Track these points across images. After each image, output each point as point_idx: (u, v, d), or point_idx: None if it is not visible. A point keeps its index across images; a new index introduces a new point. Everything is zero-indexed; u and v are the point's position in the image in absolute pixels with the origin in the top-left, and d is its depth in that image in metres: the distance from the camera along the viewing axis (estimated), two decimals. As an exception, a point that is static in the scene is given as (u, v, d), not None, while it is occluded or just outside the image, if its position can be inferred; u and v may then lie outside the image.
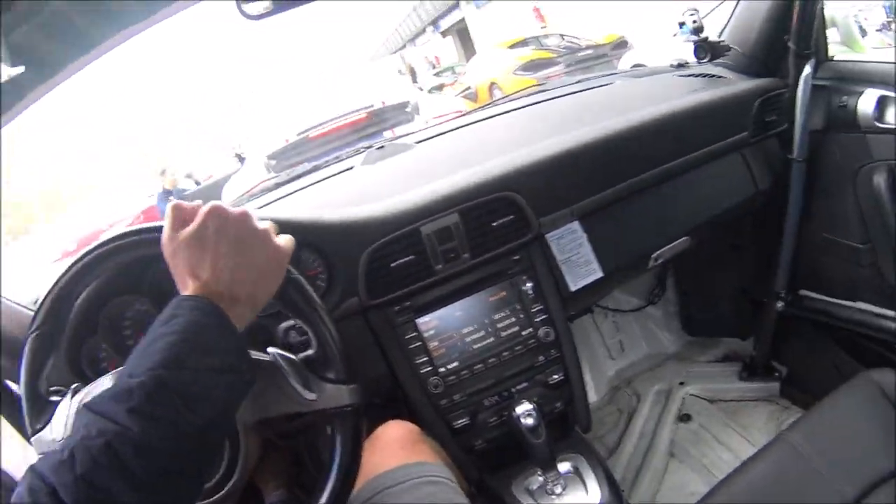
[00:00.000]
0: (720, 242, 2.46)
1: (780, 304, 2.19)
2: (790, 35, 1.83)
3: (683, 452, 2.34)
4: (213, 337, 0.84)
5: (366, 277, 1.44)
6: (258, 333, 1.36)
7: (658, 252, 1.80)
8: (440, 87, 15.44)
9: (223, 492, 0.98)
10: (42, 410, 1.06)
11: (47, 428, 1.04)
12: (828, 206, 2.00)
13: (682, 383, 2.64)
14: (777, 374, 2.46)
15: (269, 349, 1.02)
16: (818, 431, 1.41)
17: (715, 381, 2.60)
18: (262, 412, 0.99)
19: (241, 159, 9.34)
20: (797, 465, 1.36)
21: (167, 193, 10.74)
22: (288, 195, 1.90)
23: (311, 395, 0.99)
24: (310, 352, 1.03)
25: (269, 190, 2.10)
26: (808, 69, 1.83)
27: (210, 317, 0.85)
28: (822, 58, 1.93)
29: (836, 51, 2.03)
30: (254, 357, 0.99)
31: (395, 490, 1.19)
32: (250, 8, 1.22)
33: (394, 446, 1.32)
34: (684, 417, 2.48)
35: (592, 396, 2.68)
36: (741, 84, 1.99)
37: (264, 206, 1.87)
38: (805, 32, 1.80)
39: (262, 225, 0.99)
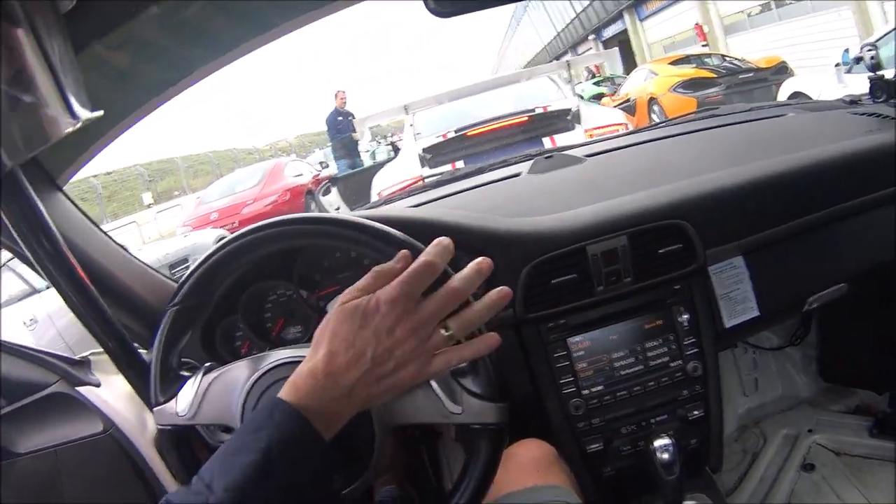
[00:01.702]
0: (875, 292, 2.34)
1: (925, 364, 2.07)
2: None
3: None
4: (301, 453, 0.80)
5: (525, 290, 1.43)
6: None
7: (815, 296, 1.74)
8: (599, 97, 15.31)
9: (349, 490, 0.98)
10: (170, 383, 1.07)
11: (173, 401, 1.05)
12: None
13: (810, 431, 2.53)
14: (910, 437, 2.33)
15: None
16: None
17: (844, 433, 2.49)
18: (403, 418, 0.99)
19: (396, 149, 9.42)
20: None
21: (338, 113, 11.06)
22: (448, 195, 1.91)
23: (456, 408, 0.97)
24: (462, 364, 1.01)
25: (429, 188, 2.12)
26: None
27: (300, 431, 0.81)
28: None
29: None
30: None
31: None
32: (439, 5, 1.21)
33: (529, 466, 1.31)
34: (808, 467, 2.39)
35: (721, 433, 2.61)
36: None
37: (420, 204, 1.88)
38: None
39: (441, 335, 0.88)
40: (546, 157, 1.99)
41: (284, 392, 0.83)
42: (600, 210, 1.50)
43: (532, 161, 2.01)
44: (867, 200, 1.74)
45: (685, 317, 1.53)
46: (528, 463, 1.32)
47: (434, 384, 0.98)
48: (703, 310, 1.55)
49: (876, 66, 2.00)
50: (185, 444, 1.09)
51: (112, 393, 1.60)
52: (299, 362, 0.94)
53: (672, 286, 1.53)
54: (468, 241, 1.41)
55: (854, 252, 1.81)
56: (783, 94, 8.82)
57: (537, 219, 1.49)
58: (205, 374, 1.06)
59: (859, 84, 2.09)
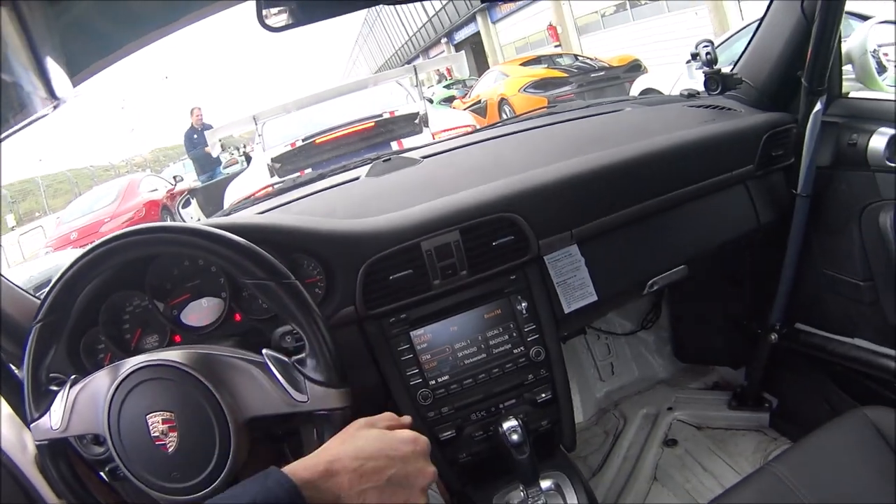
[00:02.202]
0: (718, 272, 2.47)
1: (774, 337, 2.21)
2: (804, 71, 1.84)
3: (667, 477, 2.36)
4: None
5: (364, 288, 1.46)
6: (253, 336, 1.39)
7: (654, 279, 1.82)
8: (450, 100, 15.44)
9: (211, 488, 1.01)
10: (42, 399, 1.10)
11: (46, 416, 1.09)
12: (830, 242, 2.02)
13: (670, 408, 2.65)
14: (767, 404, 2.47)
15: (263, 350, 1.07)
16: (807, 465, 1.41)
17: (703, 408, 2.61)
18: (253, 411, 1.04)
19: (249, 159, 9.40)
20: (783, 497, 1.36)
21: (193, 132, 10.97)
22: (292, 202, 1.93)
23: (301, 397, 1.04)
24: (302, 355, 1.07)
25: (274, 195, 2.14)
26: (818, 106, 1.85)
27: (289, 498, 0.83)
28: (834, 94, 1.95)
29: (853, 87, 2.05)
30: (246, 357, 1.05)
31: None
32: (272, 21, 1.24)
33: None
34: (670, 442, 2.49)
35: (579, 417, 2.70)
36: (750, 118, 2.01)
37: (267, 210, 1.90)
38: (819, 69, 1.81)
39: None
40: (384, 161, 2.04)
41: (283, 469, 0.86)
42: (432, 207, 1.54)
43: (371, 164, 2.05)
44: (701, 187, 1.84)
45: (523, 304, 1.59)
46: None
47: (278, 374, 1.04)
48: (540, 297, 1.61)
49: (712, 61, 2.11)
50: (63, 458, 1.13)
51: None
52: (155, 366, 1.02)
53: (508, 276, 1.59)
54: (307, 243, 1.45)
55: (691, 235, 1.90)
56: (635, 91, 9.03)
57: (372, 219, 1.53)
58: (71, 386, 1.10)
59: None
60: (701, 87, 2.25)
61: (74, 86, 1.24)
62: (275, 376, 1.04)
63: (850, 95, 2.00)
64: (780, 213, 2.01)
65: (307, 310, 1.07)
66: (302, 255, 1.46)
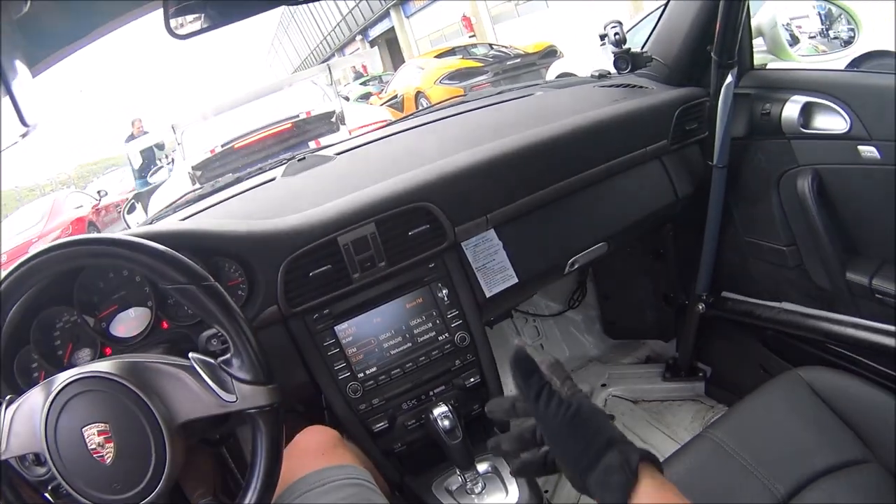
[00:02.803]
0: (641, 248, 2.52)
1: (701, 307, 2.25)
2: (713, 46, 1.87)
3: (605, 453, 2.37)
4: None
5: (285, 286, 1.47)
6: (181, 343, 1.39)
7: (574, 258, 1.85)
8: (367, 97, 15.42)
9: (152, 496, 1.01)
10: None
11: None
12: (750, 211, 2.06)
13: (604, 385, 2.69)
14: (701, 374, 2.52)
15: (190, 354, 1.07)
16: (744, 428, 1.45)
17: (638, 383, 2.65)
18: (184, 415, 1.04)
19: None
20: (722, 461, 1.39)
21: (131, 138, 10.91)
22: (211, 206, 1.93)
23: (230, 397, 1.05)
24: (228, 356, 1.07)
25: (193, 202, 2.12)
26: (729, 78, 1.87)
27: None
28: (745, 67, 1.99)
29: (765, 59, 2.10)
30: (174, 362, 1.06)
31: (316, 492, 1.22)
32: (179, 28, 1.24)
33: (314, 452, 1.36)
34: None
35: (514, 400, 2.68)
36: (662, 94, 2.06)
37: (188, 217, 1.89)
38: (728, 42, 1.84)
39: None
40: (299, 160, 2.04)
41: None
42: (347, 201, 1.55)
43: (286, 164, 2.06)
44: (616, 164, 1.88)
45: (444, 292, 1.61)
46: (312, 448, 1.37)
47: (205, 376, 1.04)
48: (460, 283, 1.63)
49: (620, 41, 2.14)
50: (5, 481, 1.10)
51: None
52: (86, 378, 1.01)
53: (427, 265, 1.61)
54: (226, 245, 1.45)
55: (608, 213, 1.93)
56: (551, 76, 8.98)
57: (289, 217, 1.53)
58: (6, 407, 1.08)
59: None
60: (612, 68, 2.28)
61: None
62: (203, 379, 1.05)
63: (765, 67, 2.05)
64: (697, 184, 2.05)
65: (228, 310, 1.07)
66: (222, 258, 1.46)
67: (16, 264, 1.07)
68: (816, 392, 1.46)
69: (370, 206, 1.54)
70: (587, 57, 7.99)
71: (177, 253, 1.08)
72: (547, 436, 0.94)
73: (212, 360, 1.07)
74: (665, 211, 2.05)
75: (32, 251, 1.06)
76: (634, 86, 2.17)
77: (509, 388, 2.61)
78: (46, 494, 1.29)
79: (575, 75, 7.57)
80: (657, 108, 1.97)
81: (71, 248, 1.06)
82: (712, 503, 1.34)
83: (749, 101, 1.95)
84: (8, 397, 1.10)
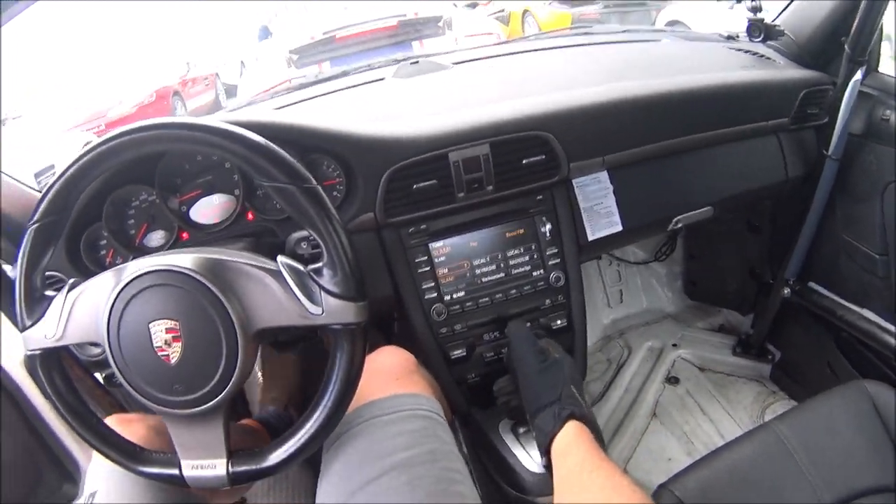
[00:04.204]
0: (738, 219, 2.43)
1: (787, 291, 2.18)
2: (848, 38, 1.77)
3: (666, 415, 2.35)
4: None
5: (385, 195, 1.41)
6: (265, 237, 1.35)
7: (679, 217, 1.78)
8: (474, 5, 15.17)
9: (215, 401, 0.97)
10: (36, 305, 1.04)
11: (40, 323, 1.03)
12: (853, 209, 1.97)
13: (675, 345, 2.64)
14: (770, 356, 2.46)
15: (279, 258, 1.00)
16: (807, 429, 1.41)
17: (708, 350, 2.60)
18: (264, 322, 0.98)
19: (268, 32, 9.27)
20: (782, 457, 1.36)
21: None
22: (312, 98, 1.87)
23: (315, 309, 0.97)
24: (319, 264, 1.00)
25: (294, 90, 2.07)
26: (858, 74, 1.78)
27: None
28: (872, 67, 1.89)
29: (886, 67, 1.99)
30: (260, 264, 0.98)
31: (386, 419, 1.18)
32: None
33: (389, 374, 1.31)
34: (672, 380, 2.49)
35: (585, 342, 2.67)
36: (790, 71, 1.96)
37: (285, 106, 1.84)
38: (864, 39, 1.74)
39: None
40: (412, 63, 1.97)
41: None
42: (464, 117, 1.48)
43: (397, 66, 1.98)
44: (736, 131, 1.80)
45: (547, 227, 1.54)
46: (387, 371, 1.32)
47: (293, 284, 0.97)
48: (565, 221, 1.57)
49: (757, 8, 2.04)
50: (56, 368, 1.06)
51: None
52: (162, 271, 0.95)
53: (535, 196, 1.54)
54: (329, 145, 1.39)
55: (720, 178, 1.85)
56: (661, 22, 8.80)
57: (399, 124, 1.47)
58: (69, 290, 1.03)
59: (739, 22, 2.13)
60: (738, 30, 2.19)
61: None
62: (289, 286, 0.97)
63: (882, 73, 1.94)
64: (807, 170, 1.96)
65: (328, 218, 0.98)
66: (322, 155, 1.40)
67: (95, 142, 1.00)
68: (877, 408, 1.42)
69: (488, 127, 1.46)
70: (699, 10, 7.75)
71: (278, 149, 0.99)
72: (520, 378, 1.25)
73: (301, 268, 0.99)
74: (773, 188, 1.96)
75: (116, 131, 0.99)
76: (763, 56, 2.07)
77: (593, 334, 2.62)
78: (97, 377, 1.27)
79: (685, 26, 7.41)
80: (784, 84, 1.87)
81: (159, 132, 0.98)
82: (760, 496, 1.33)
83: (871, 101, 1.85)
84: (71, 281, 1.05)
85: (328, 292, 0.98)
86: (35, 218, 1.02)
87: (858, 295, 2.00)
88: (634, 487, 0.87)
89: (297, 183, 0.97)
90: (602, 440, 1.08)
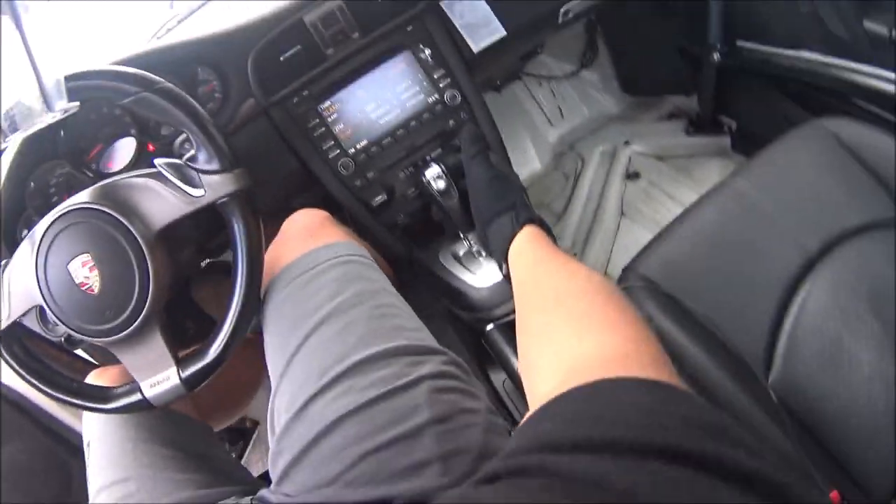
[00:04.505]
0: (647, 1, 2.39)
1: (716, 56, 2.17)
2: None
3: (634, 211, 2.39)
4: None
5: (257, 76, 1.43)
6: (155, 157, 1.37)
7: (568, 5, 1.75)
8: None
9: (143, 314, 1.02)
10: None
11: None
12: None
13: (627, 142, 2.64)
14: (727, 128, 2.47)
15: (156, 160, 1.04)
16: (768, 177, 1.41)
17: (662, 138, 2.61)
18: (158, 222, 1.02)
19: None
20: (747, 211, 1.37)
21: None
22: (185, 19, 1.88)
23: (197, 192, 1.02)
24: (192, 151, 1.05)
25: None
26: None
27: None
28: None
29: None
30: (142, 172, 1.04)
31: (305, 277, 1.18)
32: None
33: (300, 235, 1.31)
34: (633, 175, 2.51)
35: (536, 165, 2.69)
36: None
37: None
38: None
39: None
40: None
41: None
42: None
43: None
44: None
45: (427, 52, 1.54)
46: (298, 232, 1.33)
47: (172, 178, 1.02)
48: (443, 41, 1.56)
49: None
50: (15, 341, 1.12)
51: None
52: (63, 214, 1.01)
53: (405, 29, 1.53)
54: (195, 52, 1.43)
55: None
56: None
57: (250, 11, 1.48)
58: (3, 272, 1.08)
59: None
60: None
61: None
62: (170, 181, 1.03)
63: None
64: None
65: (183, 105, 1.03)
66: (194, 65, 1.43)
67: None
68: (843, 144, 1.41)
69: None
70: None
71: (121, 66, 1.03)
72: (471, 189, 1.24)
73: (177, 161, 1.04)
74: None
75: None
76: None
77: (531, 153, 2.61)
78: (70, 349, 1.31)
79: None
80: None
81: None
82: (732, 256, 1.35)
83: None
84: (3, 262, 1.10)
85: (204, 171, 1.03)
86: None
87: (789, 40, 1.97)
88: (591, 271, 0.86)
89: (149, 87, 1.01)
90: (555, 240, 1.08)
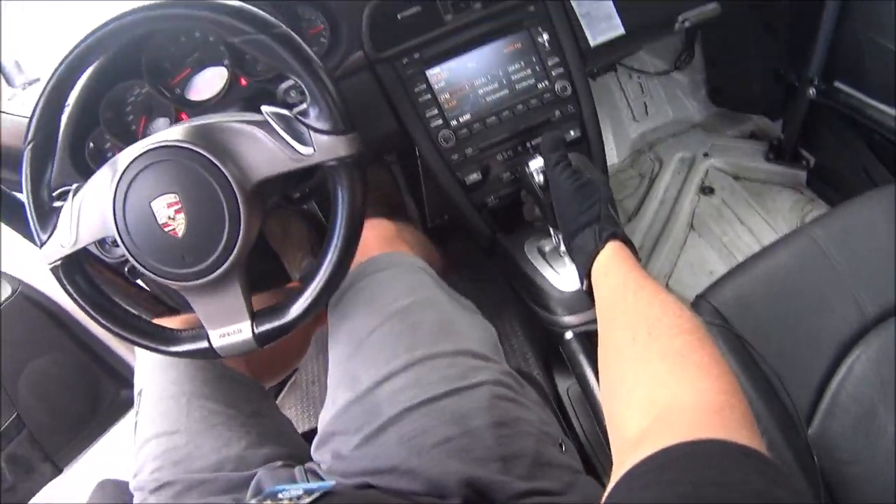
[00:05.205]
0: (753, 18, 2.33)
1: (812, 91, 2.11)
2: None
3: (704, 227, 2.35)
4: None
5: (370, 30, 1.38)
6: (260, 98, 1.33)
7: (685, 14, 1.70)
8: None
9: (226, 264, 0.98)
10: (47, 219, 1.06)
11: (55, 235, 1.05)
12: (871, 4, 1.85)
13: (706, 154, 2.60)
14: (805, 162, 2.41)
15: (263, 108, 0.99)
16: (844, 233, 1.38)
17: (740, 158, 2.56)
18: (259, 174, 0.98)
19: None
20: (819, 262, 1.35)
21: None
22: None
23: (306, 150, 0.97)
24: (304, 105, 1.00)
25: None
26: None
27: None
28: None
29: None
30: (246, 118, 0.98)
31: (385, 274, 1.24)
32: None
33: (378, 239, 1.36)
34: (707, 190, 2.47)
35: (613, 158, 2.68)
36: None
37: None
38: None
39: None
40: None
41: None
42: None
43: None
44: None
45: (545, 36, 1.49)
46: (377, 237, 1.38)
47: (280, 130, 0.97)
48: (563, 29, 1.51)
49: None
50: (78, 270, 1.08)
51: (9, 252, 1.62)
52: (153, 149, 0.96)
53: (527, 7, 1.49)
54: None
55: None
56: None
57: None
58: (74, 196, 1.04)
59: None
60: None
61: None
62: (277, 133, 0.98)
63: None
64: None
65: (302, 56, 0.98)
66: (301, 4, 1.38)
67: (71, 48, 0.99)
68: None
69: None
70: None
71: (241, 3, 0.98)
72: (554, 199, 1.20)
73: (287, 112, 0.99)
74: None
75: (92, 29, 0.98)
76: None
77: (611, 144, 2.59)
78: (130, 278, 1.29)
79: None
80: None
81: (122, 21, 0.96)
82: (800, 303, 1.33)
83: None
84: (75, 186, 1.06)
85: (316, 130, 0.98)
86: (28, 138, 1.03)
87: (885, 92, 1.91)
88: (681, 306, 0.85)
89: (266, 30, 0.96)
90: (640, 260, 1.07)
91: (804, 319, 1.32)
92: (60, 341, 1.71)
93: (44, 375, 1.72)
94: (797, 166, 2.42)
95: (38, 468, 1.76)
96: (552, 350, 1.47)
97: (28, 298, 1.64)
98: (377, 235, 1.39)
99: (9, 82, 0.83)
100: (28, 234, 1.28)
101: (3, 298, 1.63)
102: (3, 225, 1.37)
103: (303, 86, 0.98)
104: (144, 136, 1.36)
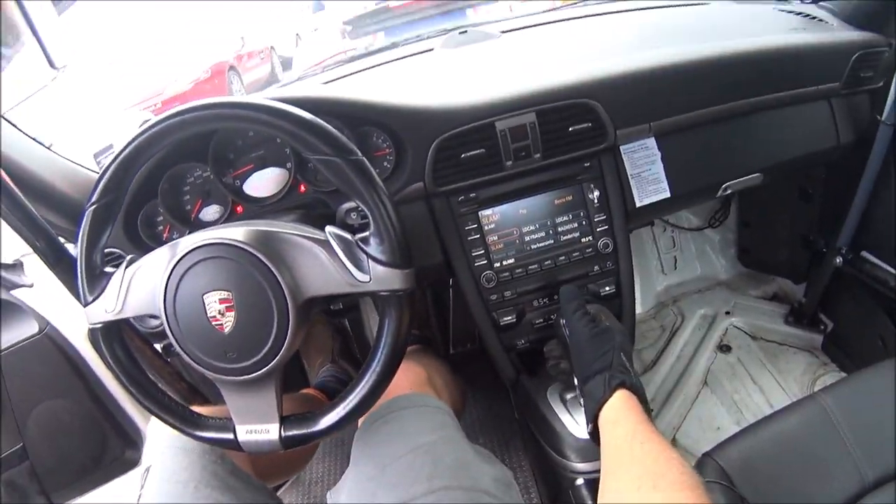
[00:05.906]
0: (789, 186, 2.39)
1: (839, 260, 2.14)
2: None
3: (716, 383, 2.37)
4: None
5: (434, 164, 1.43)
6: (316, 207, 1.38)
7: (729, 183, 1.76)
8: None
9: (268, 367, 1.01)
10: (96, 281, 1.09)
11: (101, 298, 1.08)
12: None
13: (727, 313, 2.64)
14: (823, 326, 2.43)
15: (327, 228, 1.03)
16: (853, 402, 1.41)
17: (760, 318, 2.60)
18: (313, 291, 1.01)
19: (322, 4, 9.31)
20: (826, 430, 1.37)
21: None
22: (363, 70, 1.89)
23: (363, 277, 1.00)
24: (366, 233, 1.03)
25: (344, 62, 2.10)
26: None
27: None
28: None
29: None
30: (309, 234, 1.02)
31: (413, 411, 1.30)
32: None
33: (411, 379, 1.44)
34: (724, 348, 2.49)
35: (638, 308, 2.70)
36: (843, 33, 1.91)
37: (335, 80, 1.87)
38: None
39: None
40: (460, 33, 1.99)
41: None
42: (510, 86, 1.49)
43: (446, 36, 2.00)
44: (785, 96, 1.76)
45: (595, 193, 1.55)
46: (410, 378, 1.45)
47: (340, 253, 1.00)
48: (613, 188, 1.57)
49: None
50: (117, 338, 1.11)
51: (45, 292, 1.66)
52: (214, 244, 0.99)
53: (582, 163, 1.54)
54: (378, 117, 1.41)
55: (769, 144, 1.82)
56: None
57: (447, 94, 1.48)
58: (127, 266, 1.08)
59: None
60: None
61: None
62: (337, 255, 1.01)
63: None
64: (860, 135, 1.91)
65: (373, 187, 1.01)
66: (372, 127, 1.43)
67: (149, 124, 1.03)
68: None
69: (533, 95, 1.47)
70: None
71: (324, 123, 1.02)
72: (571, 346, 1.27)
73: (349, 236, 1.02)
74: (823, 155, 1.91)
75: (168, 112, 1.02)
76: (814, 17, 2.01)
77: (637, 295, 2.61)
78: (157, 347, 1.32)
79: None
80: (836, 47, 1.82)
81: (208, 112, 1.01)
82: (803, 467, 1.36)
83: None
84: (129, 257, 1.10)
85: (375, 260, 1.01)
86: (93, 199, 1.06)
87: None
88: (684, 463, 0.90)
89: (343, 155, 1.00)
90: (650, 411, 1.10)
91: (807, 485, 1.33)
92: (75, 389, 1.73)
93: (54, 417, 1.74)
94: (814, 330, 2.44)
95: (34, 500, 1.77)
96: (561, 493, 1.49)
97: (52, 340, 1.67)
98: (410, 378, 1.44)
99: (51, 64, 0.86)
100: (70, 285, 1.30)
101: (29, 335, 1.65)
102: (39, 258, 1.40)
103: (368, 214, 1.02)
104: (197, 218, 1.42)
